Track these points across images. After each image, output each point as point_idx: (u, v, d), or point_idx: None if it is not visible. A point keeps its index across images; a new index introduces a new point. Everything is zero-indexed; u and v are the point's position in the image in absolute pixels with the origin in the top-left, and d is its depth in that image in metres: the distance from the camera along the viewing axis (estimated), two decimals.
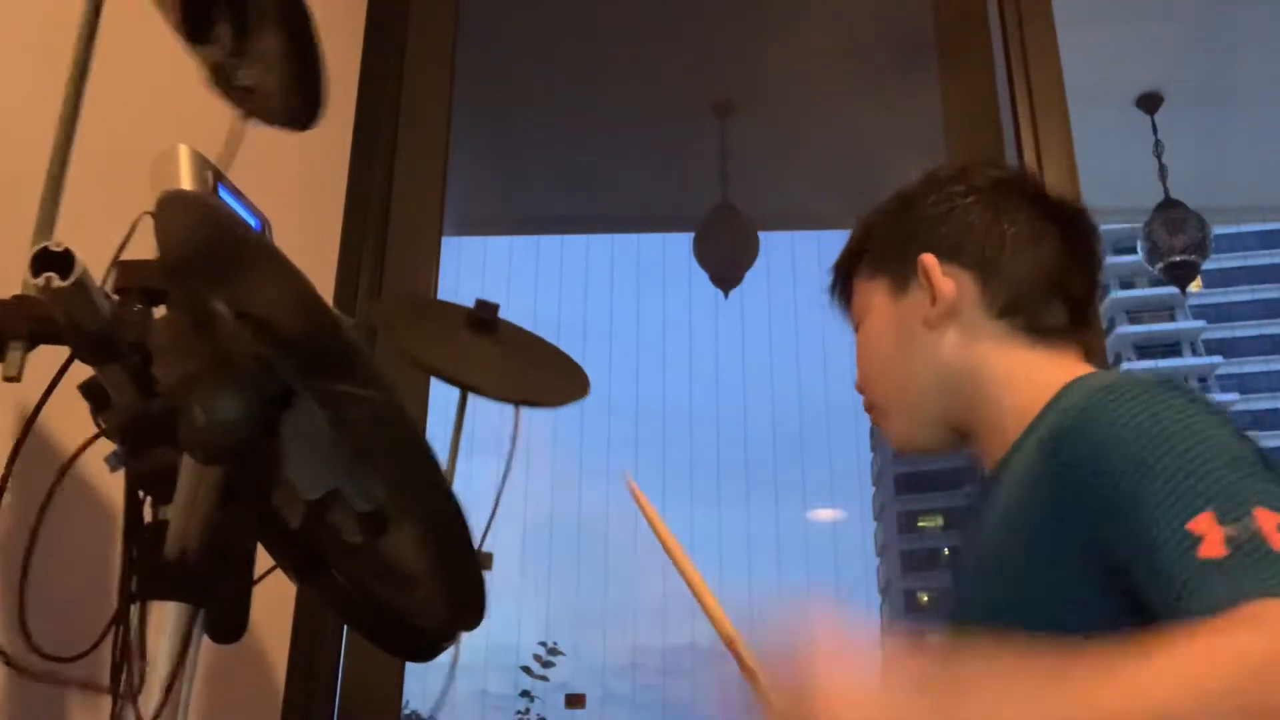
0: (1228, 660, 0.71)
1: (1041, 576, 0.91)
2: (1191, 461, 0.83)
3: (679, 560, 0.91)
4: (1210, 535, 0.78)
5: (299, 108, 0.97)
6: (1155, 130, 3.76)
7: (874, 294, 1.14)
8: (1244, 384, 43.35)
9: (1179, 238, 3.77)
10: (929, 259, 1.10)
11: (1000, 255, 1.10)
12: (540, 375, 1.46)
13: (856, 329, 1.18)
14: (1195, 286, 4.03)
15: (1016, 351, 1.08)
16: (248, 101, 0.97)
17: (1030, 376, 1.05)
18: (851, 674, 0.79)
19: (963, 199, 1.14)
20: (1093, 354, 1.15)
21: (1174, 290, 4.09)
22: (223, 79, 0.98)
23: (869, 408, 1.16)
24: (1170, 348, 44.61)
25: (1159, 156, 3.79)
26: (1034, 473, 0.94)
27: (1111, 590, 0.86)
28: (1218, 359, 44.01)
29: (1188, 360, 43.91)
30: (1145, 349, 44.12)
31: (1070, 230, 1.13)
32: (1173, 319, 44.57)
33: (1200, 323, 44.67)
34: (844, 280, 1.20)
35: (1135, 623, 0.84)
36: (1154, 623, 0.81)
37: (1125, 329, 43.91)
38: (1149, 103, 3.73)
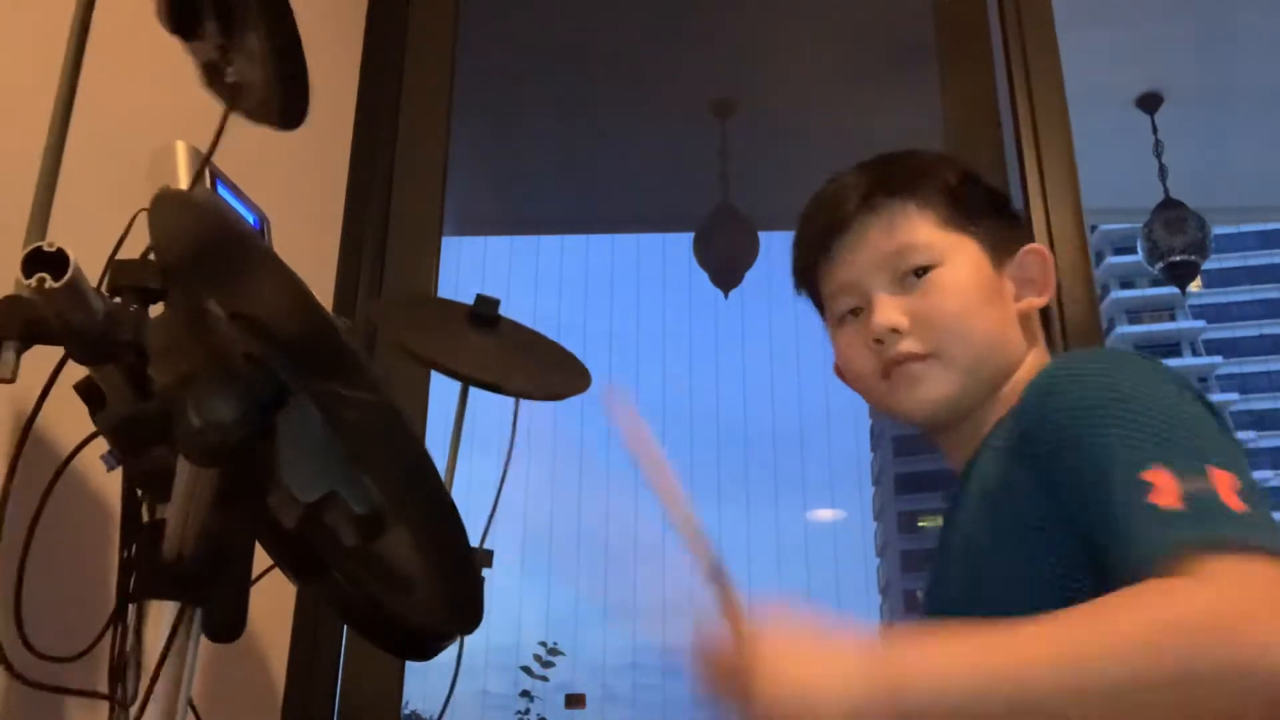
0: (1167, 619, 0.71)
1: (1011, 558, 0.92)
2: (1146, 418, 0.84)
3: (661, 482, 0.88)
4: (1164, 486, 0.78)
5: (285, 106, 0.97)
6: (1155, 130, 3.76)
7: (960, 245, 1.07)
8: (1244, 384, 43.36)
9: (1179, 238, 3.77)
10: (1049, 254, 1.11)
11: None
12: (541, 369, 1.46)
13: (912, 267, 1.06)
14: (1195, 286, 4.03)
15: (1041, 352, 1.11)
16: (237, 98, 0.96)
17: (1025, 374, 1.06)
18: (794, 654, 0.79)
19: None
20: None
21: (1174, 290, 4.09)
22: (214, 76, 0.98)
23: (908, 356, 1.05)
24: (1170, 348, 44.61)
25: (1159, 156, 3.79)
26: (1002, 461, 0.95)
27: (1079, 566, 0.87)
28: (1218, 359, 44.02)
29: (1188, 360, 43.90)
30: (1145, 349, 44.11)
31: None
32: (1173, 319, 44.60)
33: (1200, 323, 44.69)
34: (883, 198, 1.09)
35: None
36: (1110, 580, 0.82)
37: (1125, 329, 43.93)
38: (1149, 103, 3.73)
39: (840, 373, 1.15)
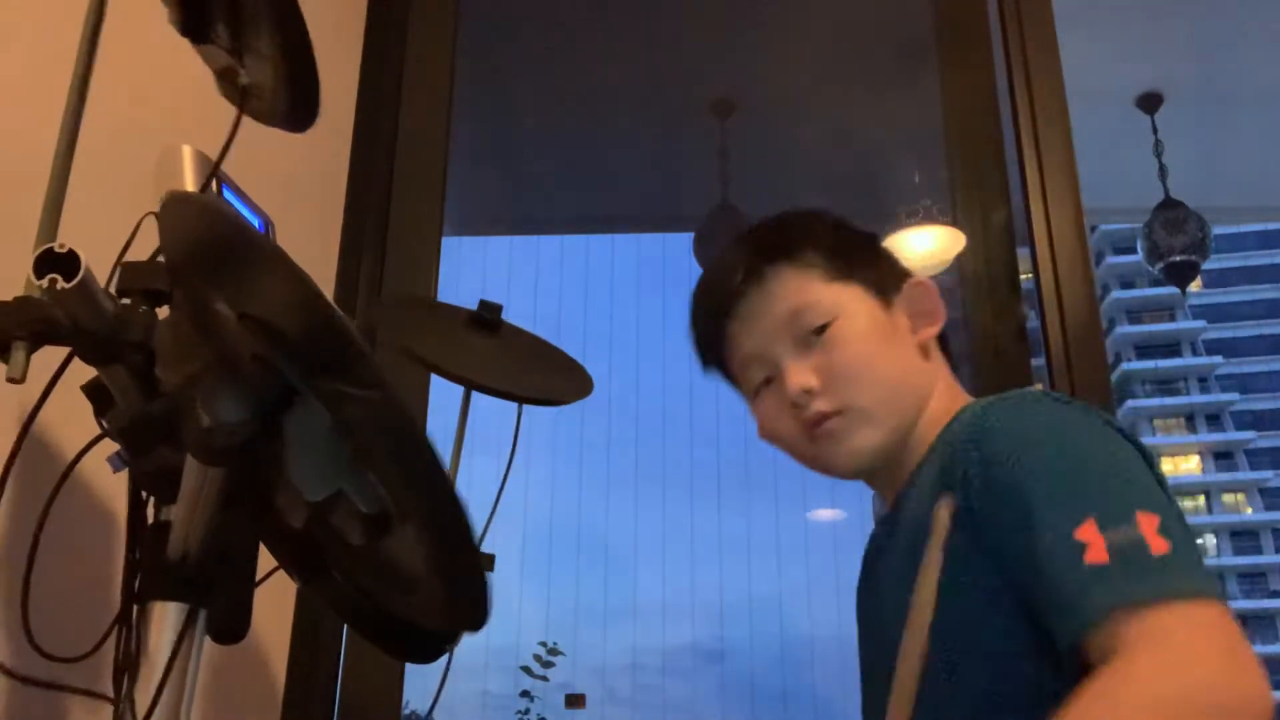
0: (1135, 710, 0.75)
1: (954, 603, 0.91)
2: (1071, 468, 0.87)
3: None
4: (1094, 542, 0.81)
5: (295, 107, 0.98)
6: (1155, 130, 3.76)
7: (849, 295, 1.09)
8: (1244, 384, 43.34)
9: (1179, 238, 3.78)
10: (932, 284, 1.13)
11: None
12: (544, 374, 1.46)
13: (812, 326, 1.08)
14: (1195, 286, 4.03)
15: (951, 381, 1.14)
16: (248, 101, 0.97)
17: (953, 406, 1.08)
18: None
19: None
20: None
21: (1174, 290, 4.10)
22: (227, 80, 0.98)
23: (824, 417, 1.07)
24: (1170, 348, 44.62)
25: (1159, 156, 3.80)
26: (932, 498, 0.95)
27: (1020, 610, 0.89)
28: (1218, 359, 44.02)
29: (1188, 360, 43.92)
30: (1145, 349, 44.13)
31: None
32: (1173, 319, 44.58)
33: (1200, 323, 44.67)
34: (767, 267, 1.11)
35: (1044, 642, 0.86)
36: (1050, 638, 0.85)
37: (1125, 329, 43.93)
38: (1149, 103, 3.74)
39: (767, 438, 1.15)
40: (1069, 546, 0.82)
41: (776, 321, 1.09)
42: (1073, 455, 0.88)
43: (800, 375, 1.07)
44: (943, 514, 0.88)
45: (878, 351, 1.08)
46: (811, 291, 1.09)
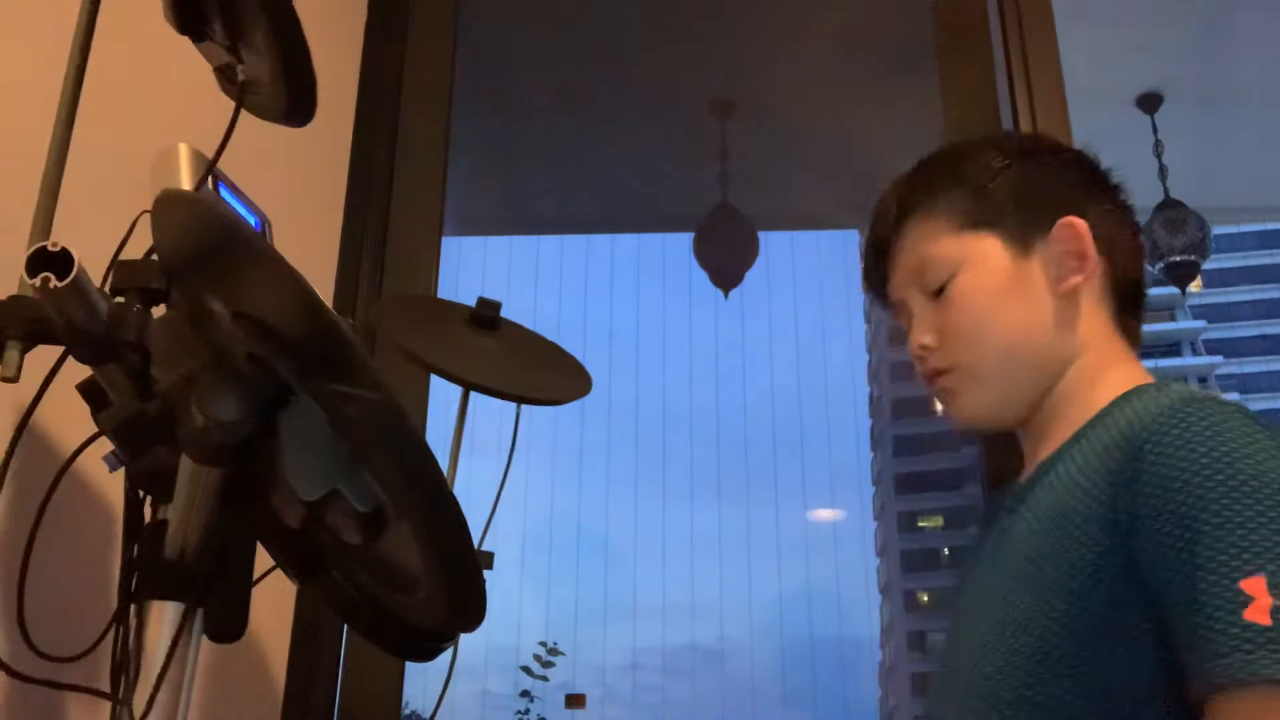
0: None
1: (1077, 590, 0.88)
2: (1257, 512, 0.81)
3: None
4: (1260, 600, 0.77)
5: (292, 102, 0.97)
6: (1155, 130, 3.76)
7: (977, 247, 1.05)
8: (1244, 384, 43.35)
9: (1179, 238, 3.77)
10: (1081, 225, 1.05)
11: (1118, 233, 1.10)
12: (542, 373, 1.46)
13: (934, 283, 1.07)
14: (1195, 286, 4.03)
15: (1111, 338, 1.07)
16: (246, 96, 0.96)
17: (1110, 368, 1.03)
18: None
19: (1084, 167, 1.14)
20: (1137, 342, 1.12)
21: (1174, 290, 4.10)
22: (227, 77, 0.98)
23: (938, 373, 1.07)
24: (1170, 348, 44.61)
25: (1159, 156, 3.80)
26: (1088, 484, 0.91)
27: (1144, 618, 0.85)
28: (1218, 359, 44.00)
29: (1188, 360, 43.90)
30: (1145, 349, 44.02)
31: (1128, 207, 1.14)
32: (1173, 319, 44.57)
33: (1200, 323, 44.67)
34: (903, 219, 1.11)
35: (1158, 655, 0.84)
36: (1175, 663, 0.82)
37: None
38: (1149, 103, 3.73)
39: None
40: (1230, 594, 0.78)
41: (908, 273, 1.11)
42: (1263, 502, 0.81)
43: (919, 331, 1.09)
44: None
45: (995, 310, 1.04)
46: (935, 246, 1.07)
